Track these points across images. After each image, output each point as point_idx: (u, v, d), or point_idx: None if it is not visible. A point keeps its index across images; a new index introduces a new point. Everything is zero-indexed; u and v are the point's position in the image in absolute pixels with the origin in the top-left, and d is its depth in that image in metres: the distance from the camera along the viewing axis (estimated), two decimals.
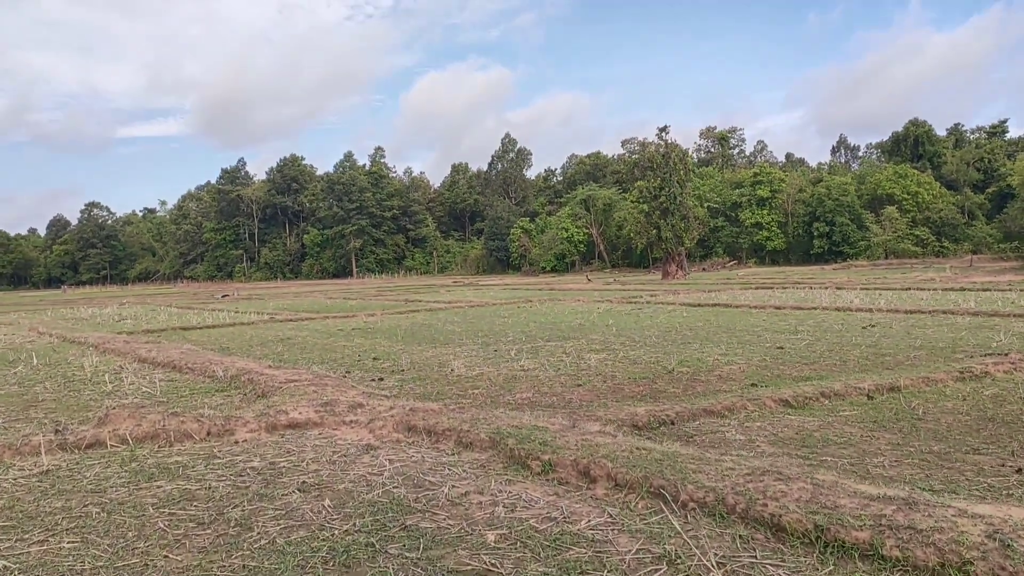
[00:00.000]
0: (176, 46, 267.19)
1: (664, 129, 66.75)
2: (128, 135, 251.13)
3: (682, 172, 66.57)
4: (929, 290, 28.29)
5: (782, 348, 12.65)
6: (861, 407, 7.60)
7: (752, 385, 9.29)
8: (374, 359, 13.23)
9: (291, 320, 22.65)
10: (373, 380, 10.89)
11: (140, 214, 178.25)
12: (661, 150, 65.74)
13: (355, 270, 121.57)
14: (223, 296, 51.20)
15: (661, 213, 65.05)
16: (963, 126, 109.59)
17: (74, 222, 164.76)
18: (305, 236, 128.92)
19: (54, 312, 34.16)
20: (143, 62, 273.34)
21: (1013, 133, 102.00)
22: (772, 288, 33.76)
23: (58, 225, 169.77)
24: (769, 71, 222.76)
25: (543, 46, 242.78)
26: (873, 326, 15.62)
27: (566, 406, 8.66)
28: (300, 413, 6.39)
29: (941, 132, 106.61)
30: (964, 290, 27.74)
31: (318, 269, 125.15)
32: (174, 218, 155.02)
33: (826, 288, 31.51)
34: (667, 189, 64.95)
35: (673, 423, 7.07)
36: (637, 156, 74.39)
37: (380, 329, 18.99)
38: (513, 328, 18.01)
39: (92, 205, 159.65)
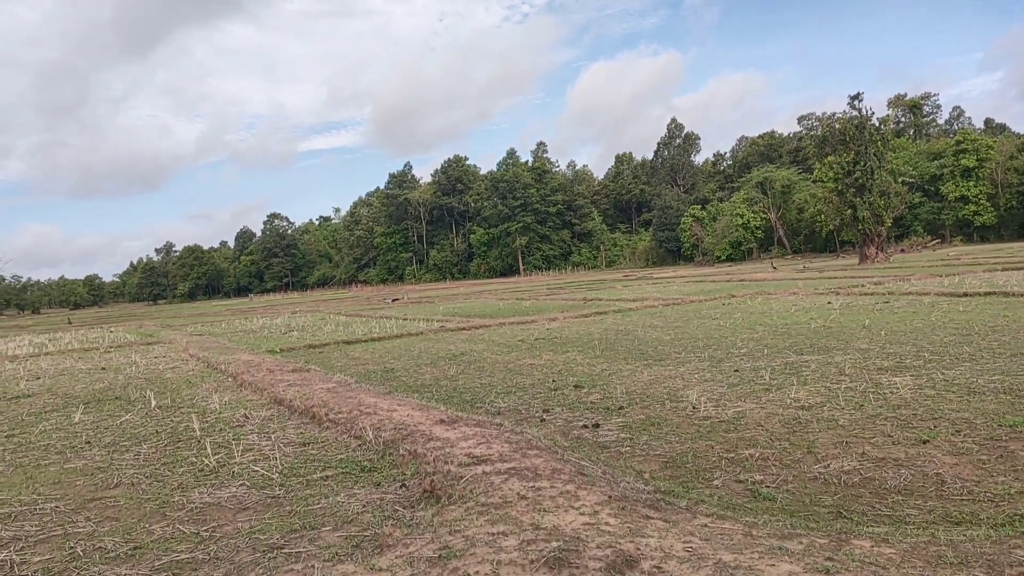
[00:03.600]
0: (349, 62, 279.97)
1: (857, 97, 59.74)
2: (308, 148, 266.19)
3: (879, 144, 59.29)
4: None
5: None
6: None
7: None
8: (575, 386, 9.98)
9: (463, 328, 19.92)
10: (584, 426, 7.63)
11: (316, 222, 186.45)
12: (855, 120, 58.78)
13: (522, 267, 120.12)
14: (393, 300, 50.16)
15: (856, 191, 58.20)
16: None
17: (258, 233, 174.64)
18: (471, 236, 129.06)
19: (228, 324, 33.58)
20: (321, 79, 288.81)
21: None
22: None
23: (244, 237, 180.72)
24: (962, 32, 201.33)
25: (716, 26, 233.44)
26: None
27: (944, 494, 4.98)
28: None
29: None
30: None
31: (485, 268, 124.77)
32: (347, 224, 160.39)
33: None
34: (863, 163, 58.02)
35: None
36: (825, 130, 67.16)
37: (568, 338, 15.77)
38: (737, 335, 14.23)
39: (273, 216, 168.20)
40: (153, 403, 9.79)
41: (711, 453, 6.36)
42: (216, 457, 6.52)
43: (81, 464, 6.82)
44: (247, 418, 8.22)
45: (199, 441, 7.26)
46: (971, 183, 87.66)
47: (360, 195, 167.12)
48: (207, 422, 8.28)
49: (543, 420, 8.10)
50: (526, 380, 10.79)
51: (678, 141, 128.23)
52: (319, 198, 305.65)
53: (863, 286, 24.80)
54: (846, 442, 6.34)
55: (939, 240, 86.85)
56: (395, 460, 5.78)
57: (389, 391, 9.63)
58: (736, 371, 10.15)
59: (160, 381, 12.62)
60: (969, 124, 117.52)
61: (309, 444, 6.80)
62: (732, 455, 6.24)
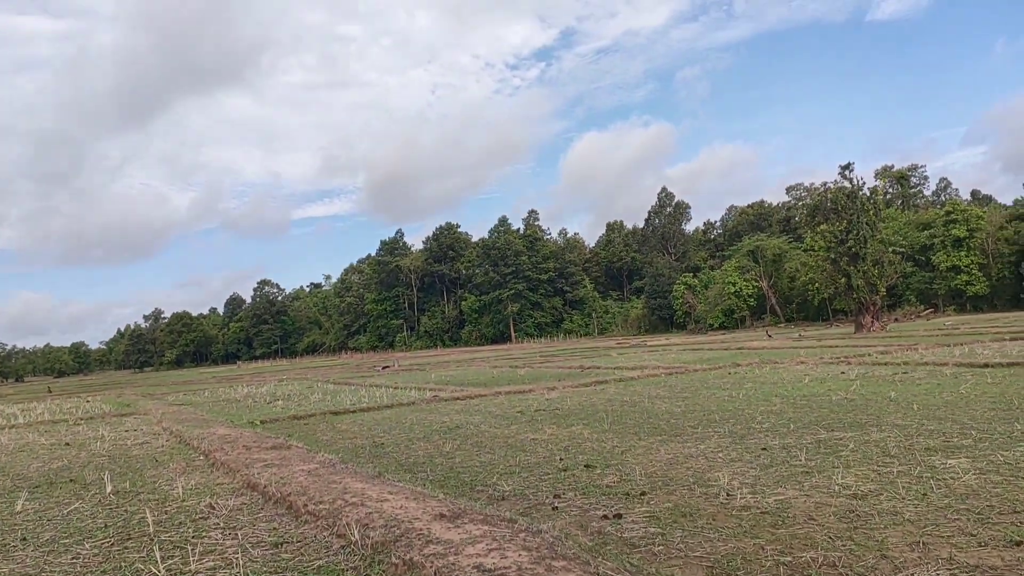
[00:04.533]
0: (344, 132, 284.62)
1: (848, 167, 60.17)
2: (302, 216, 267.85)
3: (871, 212, 59.33)
4: None
5: None
6: None
7: None
8: (586, 466, 8.94)
9: (457, 398, 18.85)
10: (605, 516, 6.59)
11: (307, 289, 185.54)
12: (846, 190, 58.91)
13: (514, 335, 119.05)
14: (384, 368, 48.91)
15: (849, 259, 58.01)
16: None
17: (248, 300, 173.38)
18: (463, 303, 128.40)
19: (211, 392, 32.31)
20: (316, 148, 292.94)
21: None
22: None
23: (234, 304, 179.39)
24: (947, 107, 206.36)
25: (707, 99, 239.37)
26: None
27: None
28: None
29: None
30: None
31: (477, 335, 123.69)
32: (338, 291, 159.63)
33: None
34: (855, 232, 57.95)
35: None
36: (816, 199, 67.19)
37: (571, 410, 14.73)
38: (753, 407, 13.24)
39: (264, 283, 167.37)
40: (108, 488, 8.66)
41: (762, 555, 5.33)
42: (167, 564, 5.41)
43: (7, 570, 5.69)
44: (212, 508, 7.10)
45: (152, 539, 6.15)
46: (962, 253, 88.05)
47: (351, 262, 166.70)
48: (166, 513, 7.15)
49: (555, 508, 7.06)
50: (530, 458, 9.74)
51: (669, 209, 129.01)
52: (311, 265, 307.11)
53: (870, 355, 23.94)
54: (923, 543, 5.33)
55: (932, 309, 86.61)
56: (386, 571, 4.72)
57: (379, 472, 8.55)
58: (764, 449, 9.14)
59: (124, 459, 11.45)
60: (956, 195, 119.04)
61: (282, 545, 5.70)
62: (789, 558, 5.22)
